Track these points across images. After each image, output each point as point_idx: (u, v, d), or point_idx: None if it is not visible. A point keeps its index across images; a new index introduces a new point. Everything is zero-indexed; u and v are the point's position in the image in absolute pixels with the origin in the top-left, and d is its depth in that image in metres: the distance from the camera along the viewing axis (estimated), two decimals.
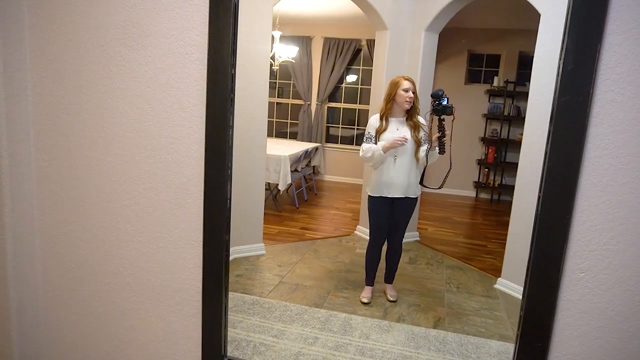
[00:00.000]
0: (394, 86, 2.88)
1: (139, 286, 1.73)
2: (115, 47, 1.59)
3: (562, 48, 1.30)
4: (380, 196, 2.97)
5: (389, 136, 2.87)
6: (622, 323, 1.32)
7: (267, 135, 3.89)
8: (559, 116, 1.30)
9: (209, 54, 1.48)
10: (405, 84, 2.84)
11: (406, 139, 2.81)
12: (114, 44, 1.59)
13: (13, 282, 1.75)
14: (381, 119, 2.92)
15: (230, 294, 1.67)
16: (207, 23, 1.47)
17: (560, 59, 1.31)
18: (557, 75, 1.31)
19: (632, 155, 1.25)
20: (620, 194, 1.27)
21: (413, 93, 2.86)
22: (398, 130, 2.90)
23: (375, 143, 2.91)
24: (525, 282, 1.41)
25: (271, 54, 4.24)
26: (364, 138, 2.92)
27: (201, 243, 1.61)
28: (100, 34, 1.60)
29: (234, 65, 1.50)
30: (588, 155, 1.28)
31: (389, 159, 2.92)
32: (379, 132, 2.90)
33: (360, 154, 2.91)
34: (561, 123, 1.30)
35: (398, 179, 2.93)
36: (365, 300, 3.16)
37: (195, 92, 1.53)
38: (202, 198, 1.58)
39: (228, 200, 1.57)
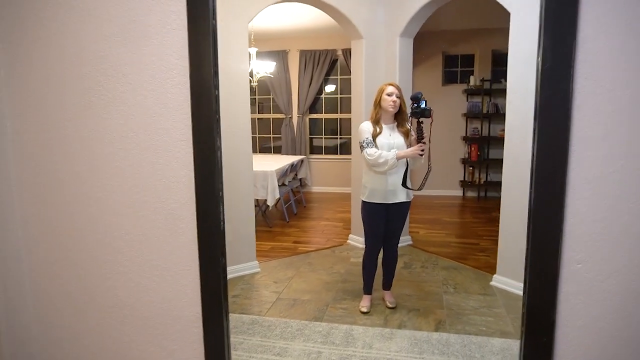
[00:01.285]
0: (380, 91, 2.94)
1: (137, 317, 1.70)
2: (94, 77, 1.57)
3: (539, 47, 1.33)
4: (379, 203, 2.96)
5: (383, 141, 2.89)
6: (623, 310, 1.34)
7: (252, 152, 3.88)
8: (543, 113, 1.32)
9: (191, 77, 1.48)
10: (389, 89, 2.91)
11: (423, 150, 2.81)
12: (94, 74, 1.57)
13: (4, 320, 1.70)
14: (374, 124, 2.94)
15: (229, 315, 1.64)
16: (186, 46, 1.47)
17: (538, 57, 1.33)
18: (537, 73, 1.34)
19: (616, 146, 1.28)
20: (607, 184, 1.30)
21: (398, 97, 2.89)
22: (390, 135, 2.92)
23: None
24: (525, 278, 1.42)
25: (249, 71, 4.24)
26: (364, 144, 2.88)
27: (198, 268, 1.59)
28: (78, 66, 1.58)
29: (216, 87, 1.49)
30: (574, 148, 1.30)
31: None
32: (374, 136, 2.91)
33: (370, 159, 2.86)
34: (545, 120, 1.32)
35: (398, 185, 2.94)
36: (364, 310, 3.15)
37: (180, 115, 1.52)
38: (196, 222, 1.56)
39: (222, 222, 1.56)
